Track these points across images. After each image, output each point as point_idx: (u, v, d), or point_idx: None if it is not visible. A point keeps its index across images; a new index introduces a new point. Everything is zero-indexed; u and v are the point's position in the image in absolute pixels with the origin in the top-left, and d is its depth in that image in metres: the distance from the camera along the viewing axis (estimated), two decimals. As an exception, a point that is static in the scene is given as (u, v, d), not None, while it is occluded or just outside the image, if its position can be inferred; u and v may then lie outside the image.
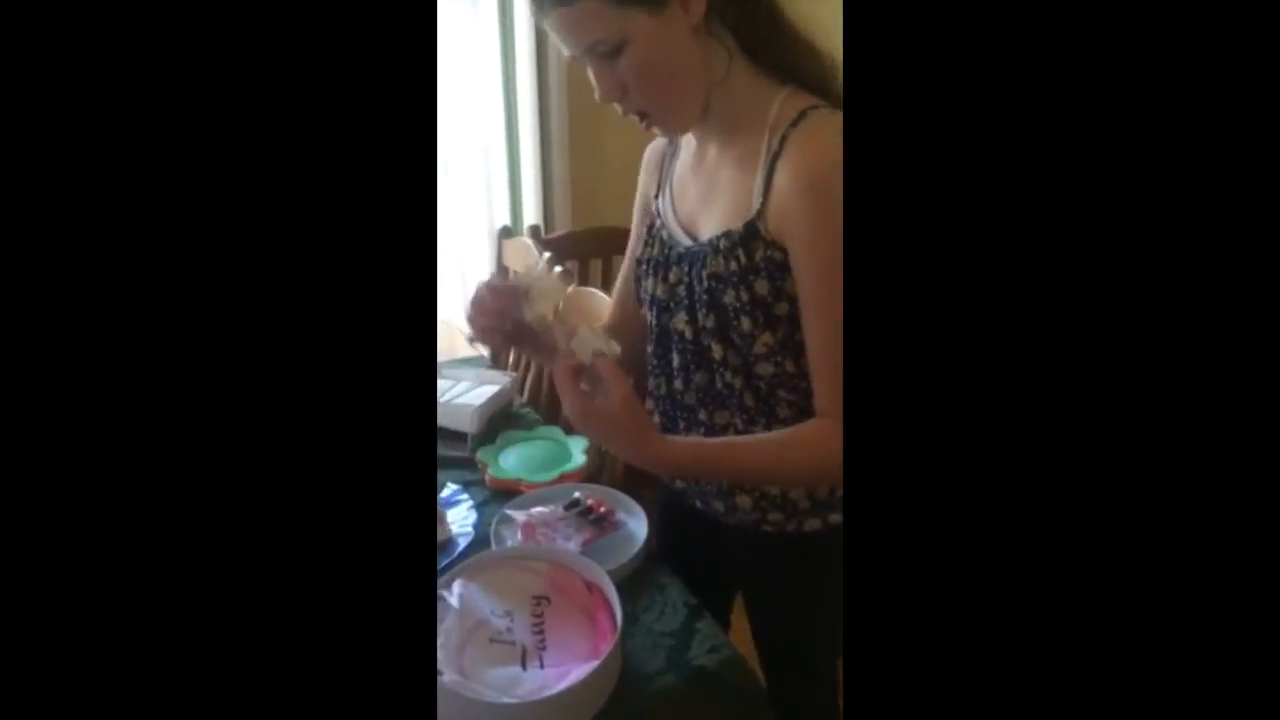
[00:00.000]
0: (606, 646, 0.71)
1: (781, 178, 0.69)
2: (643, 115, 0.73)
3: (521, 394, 1.47)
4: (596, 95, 0.73)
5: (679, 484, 0.92)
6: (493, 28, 1.97)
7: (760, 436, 0.78)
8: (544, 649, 0.73)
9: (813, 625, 0.95)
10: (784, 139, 0.70)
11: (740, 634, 0.98)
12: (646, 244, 0.85)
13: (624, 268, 0.96)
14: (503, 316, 0.78)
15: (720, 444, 0.79)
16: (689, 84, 0.72)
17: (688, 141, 0.84)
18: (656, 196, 0.87)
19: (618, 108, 0.74)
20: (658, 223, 0.85)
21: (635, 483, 1.11)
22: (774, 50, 0.74)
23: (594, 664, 0.68)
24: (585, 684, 0.67)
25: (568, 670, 0.70)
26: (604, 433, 0.73)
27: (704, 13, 0.69)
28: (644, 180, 0.92)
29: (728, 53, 0.72)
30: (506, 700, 0.66)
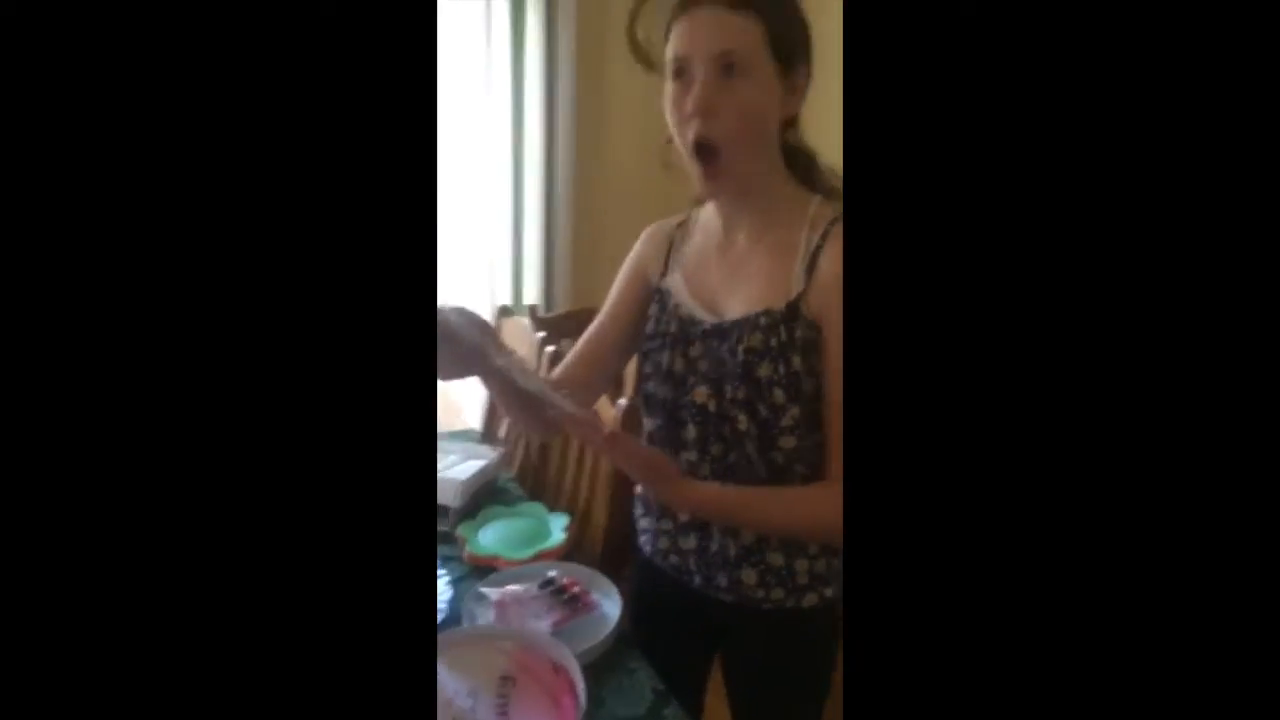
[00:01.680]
0: (567, 731, 0.71)
1: (827, 265, 0.78)
2: (708, 152, 0.76)
3: (510, 468, 1.49)
4: (674, 117, 0.77)
5: (674, 559, 0.93)
6: (505, 107, 2.08)
7: (777, 489, 0.83)
8: (505, 730, 0.73)
9: (800, 699, 0.96)
10: (825, 235, 0.79)
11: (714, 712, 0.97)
12: (658, 321, 0.89)
13: (594, 329, 0.98)
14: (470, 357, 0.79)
15: (740, 490, 0.84)
16: (761, 143, 0.79)
17: (703, 229, 0.90)
18: (663, 275, 0.92)
19: (688, 131, 0.76)
20: (671, 301, 0.88)
21: (613, 562, 1.12)
22: (811, 170, 0.86)
23: (552, 748, 0.68)
24: (542, 769, 0.67)
25: (527, 754, 0.69)
26: (643, 471, 0.79)
27: (795, 113, 0.81)
28: (644, 256, 0.95)
29: (782, 155, 0.83)
30: (462, 783, 0.66)
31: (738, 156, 0.77)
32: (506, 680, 0.79)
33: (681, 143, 0.78)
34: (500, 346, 0.80)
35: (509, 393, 0.84)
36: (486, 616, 0.93)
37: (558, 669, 0.81)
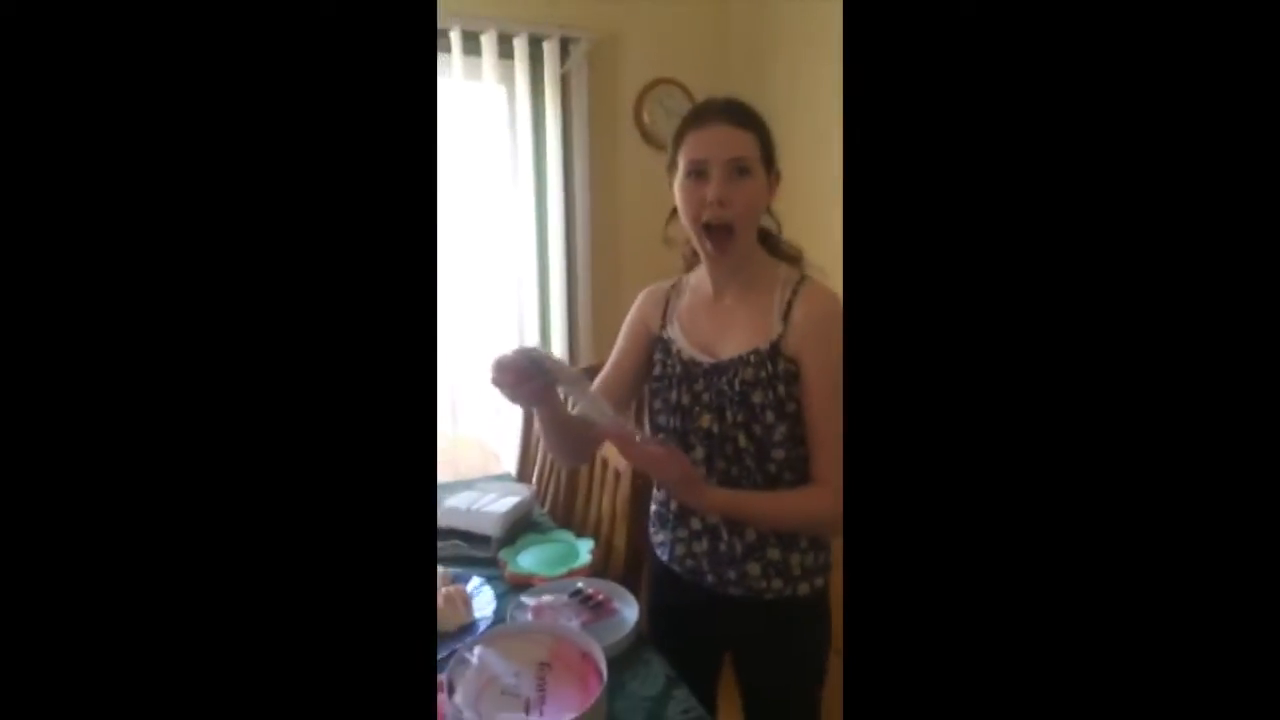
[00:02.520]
0: (592, 700, 0.89)
1: (799, 315, 1.01)
2: (724, 232, 0.99)
3: (543, 505, 1.68)
4: (691, 208, 0.99)
5: (689, 563, 1.11)
6: (529, 189, 2.33)
7: (775, 493, 1.04)
8: (544, 702, 0.91)
9: (800, 679, 1.13)
10: (795, 291, 1.03)
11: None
12: (664, 364, 1.11)
13: (606, 372, 1.19)
14: (527, 376, 0.95)
15: (747, 494, 1.04)
16: (756, 226, 1.04)
17: (694, 290, 1.13)
18: (663, 327, 1.13)
19: (704, 216, 0.98)
20: (675, 347, 1.10)
21: (632, 577, 1.30)
22: (776, 244, 1.11)
23: (581, 710, 0.86)
24: (573, 724, 0.85)
25: (562, 718, 0.87)
26: (669, 479, 0.98)
27: (770, 203, 1.04)
28: (645, 312, 1.18)
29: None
30: (511, 735, 0.84)
31: (741, 236, 1.01)
32: (544, 665, 0.98)
33: (693, 225, 1.01)
34: (569, 378, 0.97)
35: (557, 428, 1.05)
36: (526, 618, 1.11)
37: (585, 656, 0.99)
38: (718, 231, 1.00)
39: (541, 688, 0.94)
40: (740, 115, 0.99)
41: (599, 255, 2.40)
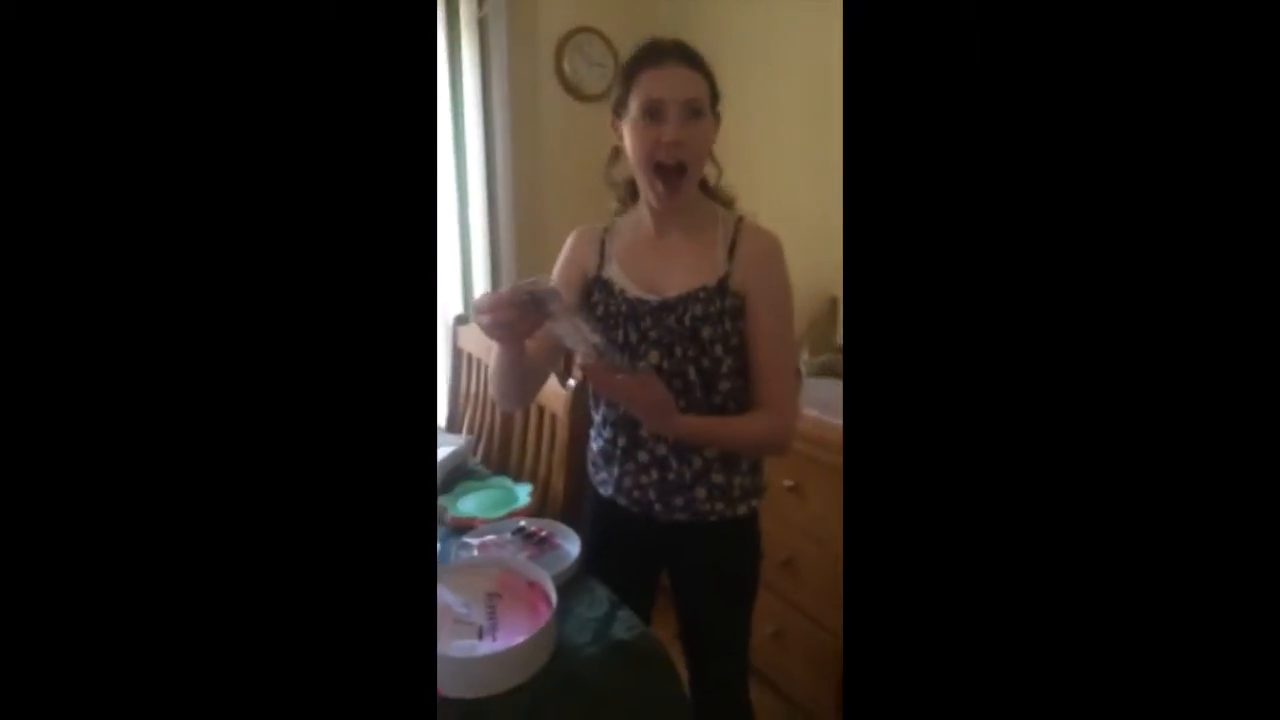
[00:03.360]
0: (543, 622, 0.94)
1: (743, 252, 1.06)
2: (677, 171, 1.02)
3: (475, 454, 1.70)
4: (644, 147, 1.00)
5: (636, 494, 1.16)
6: (446, 127, 2.28)
7: (728, 418, 1.09)
8: (496, 628, 0.96)
9: (736, 597, 1.22)
10: (736, 230, 1.08)
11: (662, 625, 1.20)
12: (606, 305, 1.12)
13: None
14: (521, 314, 0.91)
15: (708, 420, 1.08)
16: (703, 166, 1.06)
17: (632, 230, 1.15)
18: (600, 268, 1.15)
19: (658, 156, 1.00)
20: (617, 287, 1.12)
21: (570, 517, 1.35)
22: (713, 187, 1.15)
23: (533, 631, 0.91)
24: (526, 645, 0.89)
25: (514, 641, 0.92)
26: (643, 407, 0.99)
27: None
28: (577, 255, 1.19)
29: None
30: (468, 656, 0.88)
31: (690, 178, 1.04)
32: (493, 595, 1.02)
33: (645, 165, 1.03)
34: (562, 306, 0.92)
35: (515, 368, 1.05)
36: (473, 555, 1.15)
37: (533, 585, 1.03)
38: (670, 172, 1.02)
39: (493, 615, 0.98)
40: (693, 57, 1.01)
41: (520, 205, 2.39)
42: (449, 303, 2.43)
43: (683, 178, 1.03)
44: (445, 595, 0.99)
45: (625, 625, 1.03)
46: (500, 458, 1.65)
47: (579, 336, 0.94)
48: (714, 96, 1.04)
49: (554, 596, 0.99)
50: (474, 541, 1.18)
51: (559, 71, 2.39)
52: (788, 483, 1.72)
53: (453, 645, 0.91)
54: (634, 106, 1.02)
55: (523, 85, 2.36)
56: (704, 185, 1.14)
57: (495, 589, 1.03)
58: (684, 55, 1.01)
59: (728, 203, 1.15)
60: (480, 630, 0.95)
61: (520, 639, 0.91)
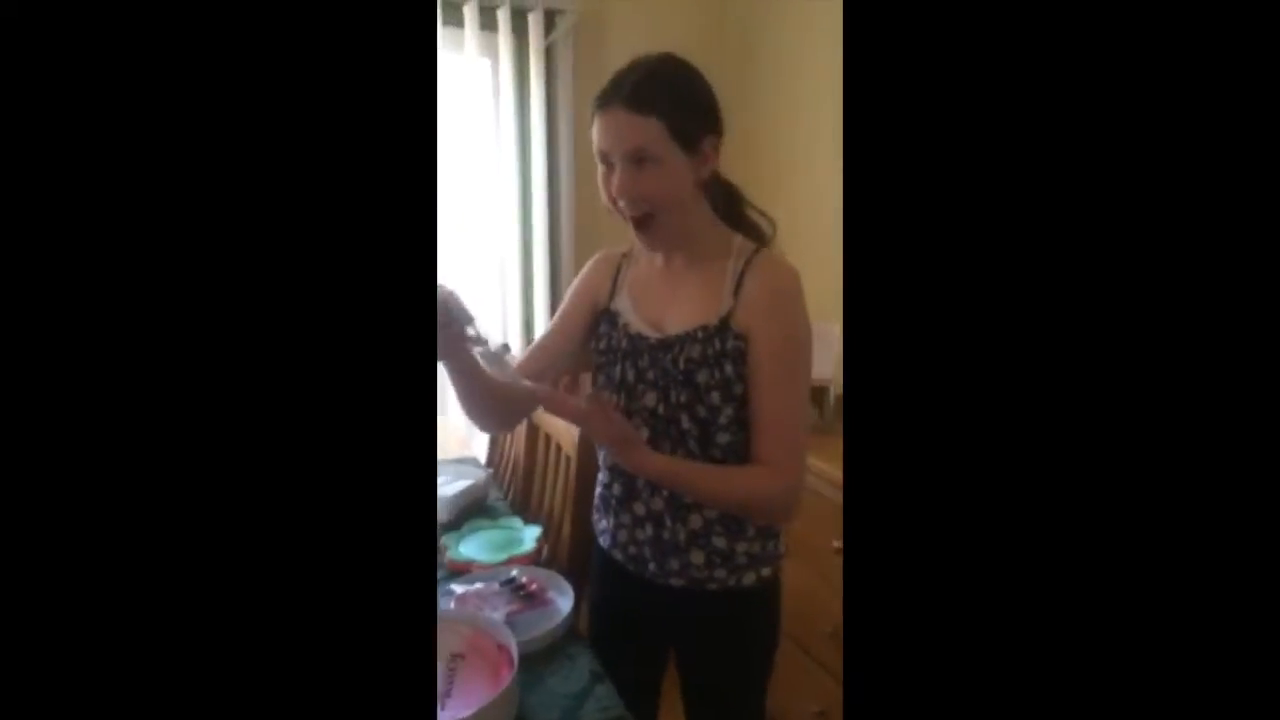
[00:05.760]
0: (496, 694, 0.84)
1: (750, 287, 0.94)
2: (642, 221, 0.93)
3: (504, 491, 1.64)
4: (605, 194, 0.93)
5: (631, 550, 1.05)
6: (512, 153, 2.28)
7: (717, 466, 0.97)
8: (449, 696, 0.87)
9: (744, 671, 1.08)
10: (747, 263, 0.96)
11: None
12: (609, 338, 1.04)
13: (543, 339, 1.12)
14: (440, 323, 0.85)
15: (688, 463, 0.97)
16: (680, 208, 0.95)
17: (647, 259, 1.06)
18: (611, 298, 1.07)
19: (616, 209, 0.93)
20: (621, 320, 1.03)
21: (577, 566, 1.25)
22: (734, 211, 1.04)
23: (480, 705, 0.82)
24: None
25: (461, 713, 0.82)
26: (607, 436, 0.92)
27: (708, 176, 0.96)
28: (592, 280, 1.11)
29: (709, 205, 1.00)
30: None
31: (662, 224, 0.94)
32: (457, 657, 0.93)
33: (614, 211, 0.95)
34: (478, 336, 0.89)
35: (473, 384, 0.94)
36: (449, 607, 1.07)
37: (501, 648, 0.94)
38: (639, 220, 0.94)
39: (450, 680, 0.89)
40: (641, 98, 0.88)
41: (583, 232, 2.34)
42: (511, 326, 2.41)
43: (651, 224, 0.94)
44: (400, 653, 0.91)
45: (599, 705, 0.92)
46: (522, 496, 1.57)
47: (495, 361, 0.89)
48: (687, 131, 0.91)
49: (516, 664, 0.89)
50: (457, 590, 1.10)
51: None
52: (836, 544, 1.55)
53: (392, 713, 0.82)
54: (595, 154, 0.94)
55: (589, 112, 2.33)
56: (728, 207, 1.03)
57: (461, 649, 0.94)
58: (631, 98, 0.88)
59: (757, 229, 1.03)
60: (430, 697, 0.86)
61: (464, 713, 0.82)
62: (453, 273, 2.23)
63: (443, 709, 0.84)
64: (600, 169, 0.94)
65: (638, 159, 0.89)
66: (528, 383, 0.92)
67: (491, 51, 2.20)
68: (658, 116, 0.89)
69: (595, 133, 0.92)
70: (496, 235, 2.29)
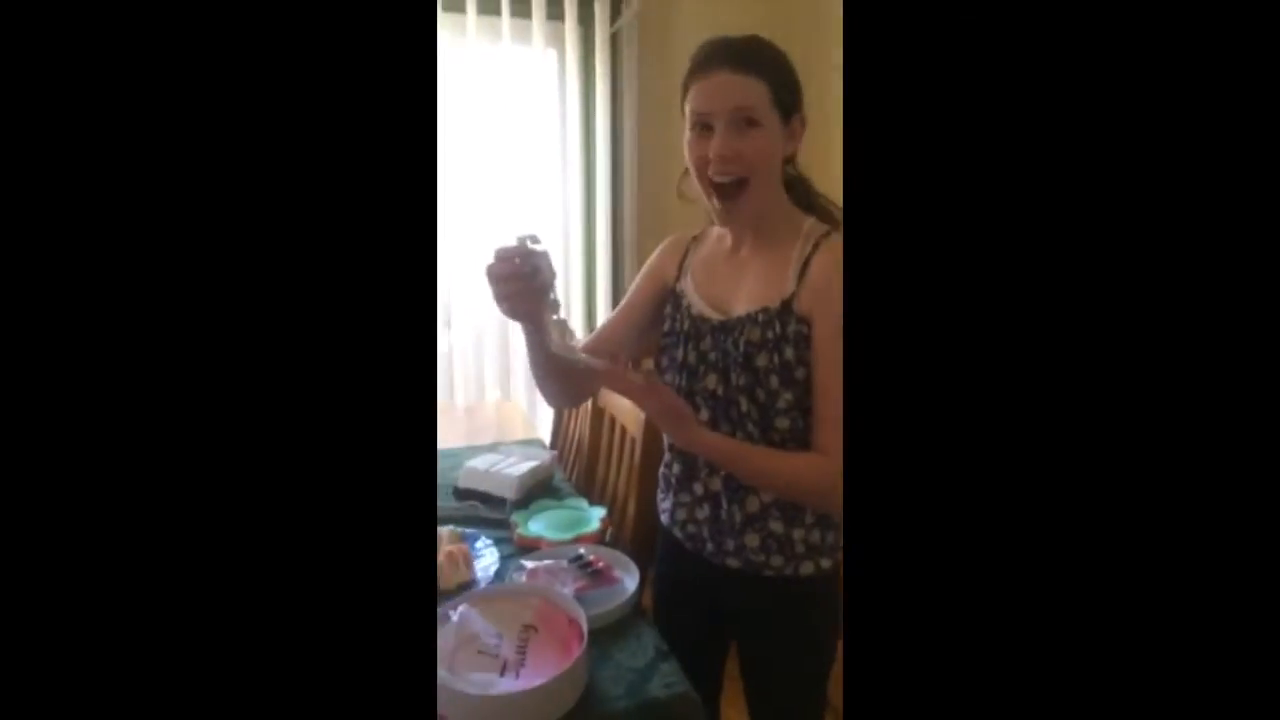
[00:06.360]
0: (569, 665, 0.87)
1: (816, 270, 0.94)
2: (732, 190, 0.92)
3: (568, 472, 1.67)
4: (695, 161, 0.93)
5: (690, 529, 1.07)
6: (577, 146, 2.30)
7: (773, 450, 0.96)
8: (522, 665, 0.90)
9: (802, 664, 1.08)
10: (816, 246, 0.95)
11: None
12: (673, 320, 1.05)
13: (612, 319, 1.14)
14: (518, 279, 0.86)
15: (742, 444, 0.97)
16: (770, 180, 0.96)
17: (714, 241, 1.07)
18: (678, 280, 1.08)
19: (703, 178, 0.93)
20: (685, 302, 1.05)
21: (641, 547, 1.27)
22: (807, 195, 1.04)
23: (554, 675, 0.84)
24: (542, 690, 0.83)
25: (534, 683, 0.86)
26: (658, 411, 0.93)
27: (794, 152, 0.99)
28: (662, 262, 1.12)
29: (784, 184, 1.00)
30: (479, 694, 0.83)
31: (753, 193, 0.94)
32: (529, 628, 0.96)
33: (702, 181, 0.95)
34: (555, 301, 0.89)
35: (547, 352, 0.94)
36: (520, 580, 1.10)
37: (571, 622, 0.97)
38: (727, 187, 0.93)
39: (522, 650, 0.93)
40: (747, 60, 0.90)
41: (646, 224, 2.35)
42: (574, 318, 2.44)
43: (741, 193, 0.93)
44: (475, 621, 0.95)
45: (664, 682, 0.94)
46: (586, 477, 1.60)
47: (558, 332, 0.87)
48: (785, 100, 0.92)
49: (586, 638, 0.92)
50: (528, 565, 1.13)
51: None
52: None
53: (470, 678, 0.86)
54: (686, 119, 0.93)
55: (654, 100, 2.33)
56: (800, 194, 1.03)
57: (533, 621, 0.98)
58: (736, 59, 0.89)
59: (824, 213, 1.02)
60: (504, 664, 0.90)
61: (539, 681, 0.85)
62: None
63: (516, 678, 0.88)
64: (690, 136, 0.93)
65: (740, 121, 0.90)
66: (584, 356, 0.92)
67: (558, 41, 2.22)
68: (763, 79, 0.90)
69: (693, 99, 0.92)
70: (561, 227, 2.32)
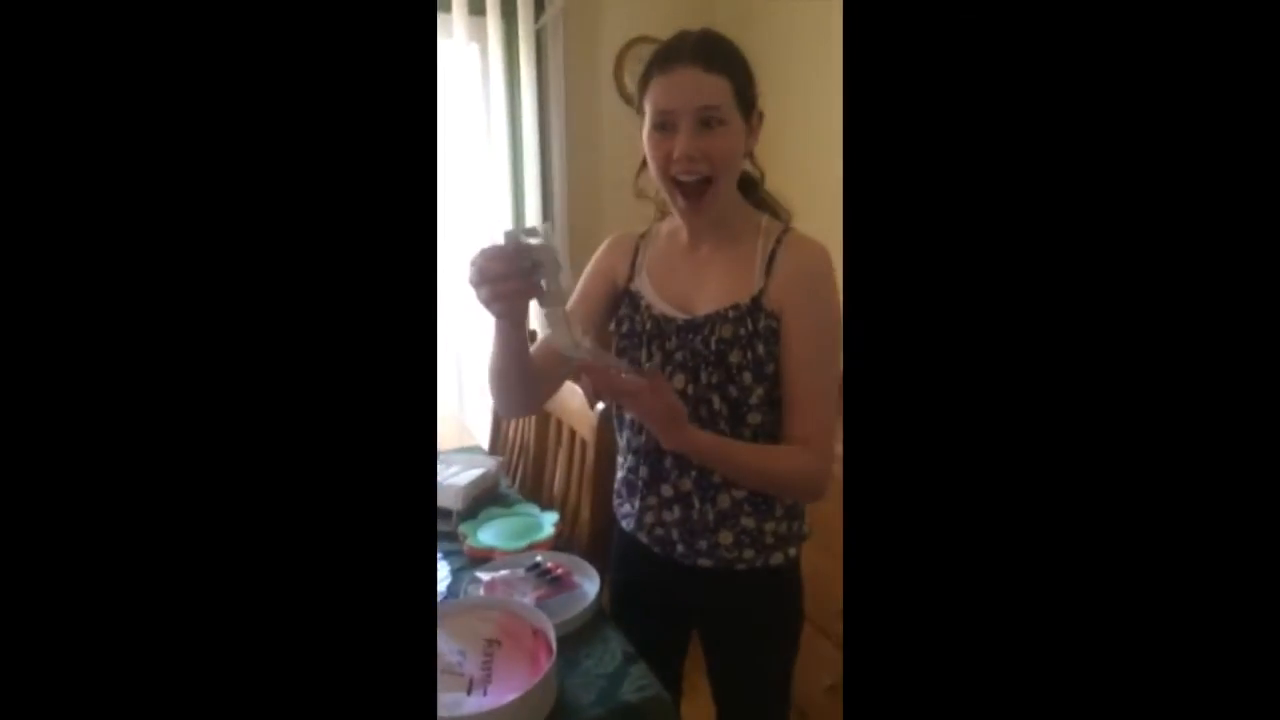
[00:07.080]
0: (539, 677, 0.84)
1: (782, 267, 0.94)
2: (697, 188, 0.91)
3: (511, 479, 1.63)
4: (657, 160, 0.90)
5: (659, 532, 1.05)
6: (503, 139, 2.24)
7: (755, 445, 0.96)
8: (489, 681, 0.87)
9: (771, 656, 1.08)
10: (778, 242, 0.95)
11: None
12: (632, 321, 1.02)
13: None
14: (516, 277, 0.77)
15: (729, 441, 0.95)
16: (732, 178, 0.95)
17: (667, 240, 1.05)
18: (630, 280, 1.05)
19: (665, 177, 0.91)
20: (643, 302, 1.02)
21: (596, 550, 1.25)
22: (758, 193, 1.03)
23: (526, 689, 0.82)
24: (513, 706, 0.80)
25: (504, 699, 0.82)
26: (657, 413, 0.87)
27: (751, 149, 0.97)
28: (610, 261, 1.08)
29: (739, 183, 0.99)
30: (450, 716, 0.79)
31: (717, 190, 0.92)
32: (492, 643, 0.93)
33: (664, 179, 0.93)
34: (560, 292, 0.80)
35: (513, 351, 0.89)
36: (478, 594, 1.06)
37: (536, 632, 0.94)
38: (692, 186, 0.92)
39: (488, 665, 0.89)
40: (711, 57, 0.88)
41: (576, 217, 2.33)
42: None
43: (706, 192, 0.92)
44: (441, 641, 0.90)
45: (635, 685, 0.92)
46: (534, 482, 1.57)
47: (565, 329, 0.80)
48: (746, 97, 0.91)
49: (554, 648, 0.89)
50: (484, 577, 1.09)
51: (619, 82, 2.33)
52: (844, 521, 1.57)
53: (438, 699, 0.82)
54: (647, 115, 0.91)
55: (580, 96, 2.31)
56: (752, 191, 1.02)
57: (496, 635, 0.94)
58: (700, 56, 0.88)
59: (778, 211, 1.03)
60: (471, 682, 0.86)
61: (510, 697, 0.82)
62: (445, 259, 2.21)
63: (485, 695, 0.84)
64: (651, 133, 0.91)
65: (706, 119, 0.88)
66: (590, 345, 0.85)
67: (480, 36, 2.17)
68: (727, 77, 0.88)
69: (655, 95, 0.90)
70: (489, 221, 2.27)
